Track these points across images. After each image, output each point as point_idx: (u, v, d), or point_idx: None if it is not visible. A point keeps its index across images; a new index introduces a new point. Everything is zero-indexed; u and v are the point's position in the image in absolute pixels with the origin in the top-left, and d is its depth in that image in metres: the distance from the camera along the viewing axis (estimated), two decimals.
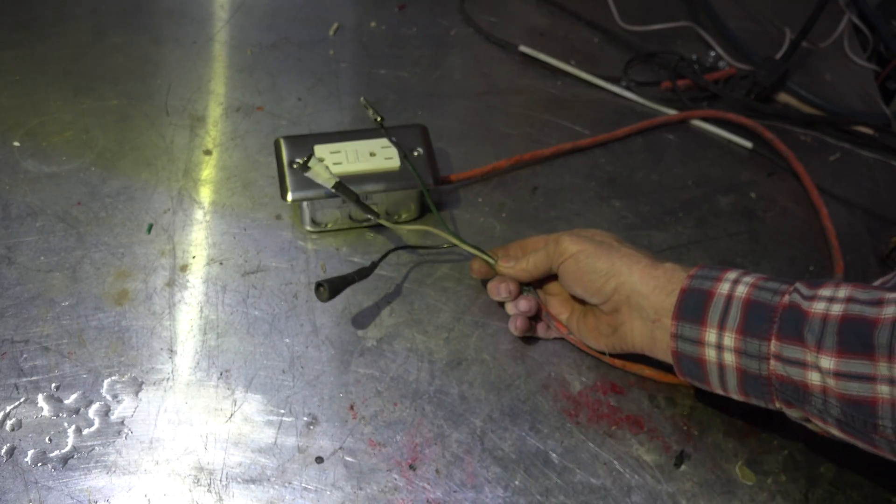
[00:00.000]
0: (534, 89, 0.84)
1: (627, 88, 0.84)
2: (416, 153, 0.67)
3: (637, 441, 0.58)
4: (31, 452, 0.55)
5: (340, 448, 0.56)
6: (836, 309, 0.48)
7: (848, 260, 0.70)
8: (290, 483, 0.55)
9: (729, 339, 0.51)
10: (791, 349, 0.49)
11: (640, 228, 0.72)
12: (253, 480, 0.55)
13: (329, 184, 0.62)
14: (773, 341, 0.50)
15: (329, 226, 0.68)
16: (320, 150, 0.66)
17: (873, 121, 0.82)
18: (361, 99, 0.66)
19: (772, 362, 0.50)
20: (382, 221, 0.65)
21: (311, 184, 0.64)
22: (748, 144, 0.80)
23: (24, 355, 0.59)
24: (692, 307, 0.53)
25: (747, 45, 0.89)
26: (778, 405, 0.52)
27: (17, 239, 0.66)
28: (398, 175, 0.66)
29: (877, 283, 0.53)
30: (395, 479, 0.55)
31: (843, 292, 0.49)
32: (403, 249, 0.67)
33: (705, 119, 0.81)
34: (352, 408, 0.58)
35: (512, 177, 0.75)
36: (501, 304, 0.64)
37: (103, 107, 0.77)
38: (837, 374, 0.47)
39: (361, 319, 0.63)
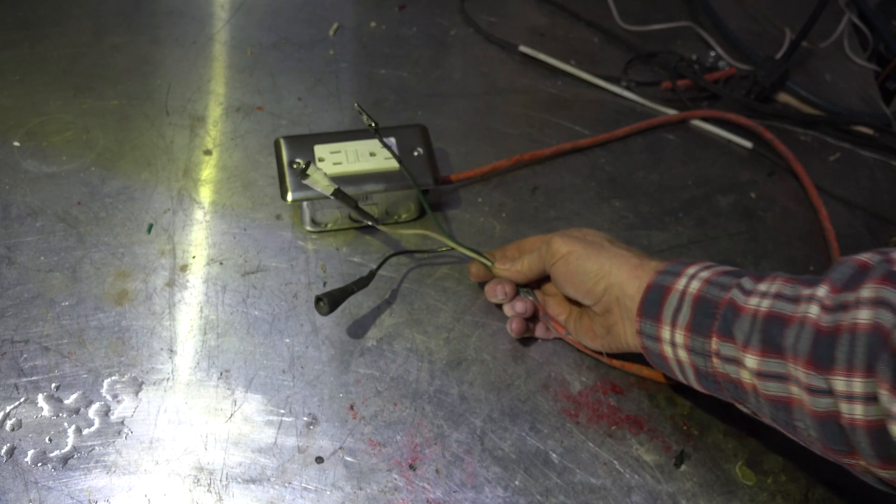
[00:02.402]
0: (534, 89, 0.84)
1: (627, 88, 0.84)
2: (416, 153, 0.67)
3: (637, 441, 0.58)
4: (31, 452, 0.55)
5: (340, 448, 0.56)
6: (765, 305, 0.48)
7: None
8: (290, 483, 0.55)
9: (680, 336, 0.52)
10: (727, 347, 0.49)
11: (640, 228, 0.72)
12: (253, 480, 0.55)
13: (328, 191, 0.62)
14: (713, 339, 0.50)
15: (329, 226, 0.68)
16: (320, 150, 0.66)
17: (873, 121, 0.82)
18: (355, 104, 0.66)
19: (714, 360, 0.50)
20: (381, 227, 0.64)
21: None
22: (748, 144, 0.80)
23: (24, 355, 0.59)
24: (652, 303, 0.53)
25: (747, 45, 0.89)
26: (729, 399, 0.52)
27: (17, 239, 0.66)
28: (398, 175, 0.66)
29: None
30: (395, 479, 0.55)
31: (775, 286, 0.48)
32: (402, 255, 0.67)
33: (705, 119, 0.81)
34: (352, 408, 0.58)
35: (512, 177, 0.75)
36: (500, 306, 0.64)
37: (103, 107, 0.77)
38: (759, 374, 0.47)
39: (361, 319, 0.63)
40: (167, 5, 0.88)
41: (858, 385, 0.42)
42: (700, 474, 0.57)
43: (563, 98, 0.83)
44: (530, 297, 0.62)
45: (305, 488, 0.54)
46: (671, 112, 0.81)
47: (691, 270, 0.53)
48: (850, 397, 0.43)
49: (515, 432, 0.58)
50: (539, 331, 0.63)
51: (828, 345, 0.44)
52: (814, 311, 0.45)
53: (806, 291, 0.46)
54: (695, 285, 0.52)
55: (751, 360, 0.47)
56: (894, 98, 0.90)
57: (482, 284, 0.65)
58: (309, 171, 0.61)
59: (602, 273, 0.56)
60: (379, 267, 0.63)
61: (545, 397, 0.60)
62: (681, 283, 0.52)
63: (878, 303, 0.42)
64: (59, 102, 0.77)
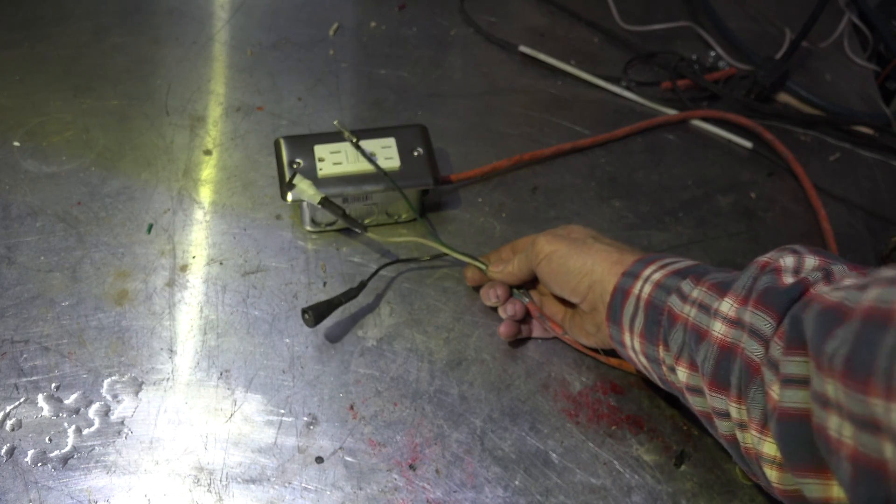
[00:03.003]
0: (534, 89, 0.84)
1: (627, 88, 0.84)
2: (416, 153, 0.67)
3: (637, 441, 0.58)
4: (31, 452, 0.55)
5: (340, 448, 0.56)
6: (692, 315, 0.47)
7: (848, 260, 0.70)
8: (290, 483, 0.55)
9: (637, 343, 0.51)
10: (668, 356, 0.49)
11: (640, 228, 0.72)
12: (253, 480, 0.55)
13: (315, 200, 0.62)
14: (660, 347, 0.50)
15: (329, 226, 0.68)
16: (320, 150, 0.66)
17: (873, 121, 0.82)
18: (335, 122, 0.66)
19: (663, 367, 0.50)
20: (371, 235, 0.64)
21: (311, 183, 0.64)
22: (748, 144, 0.80)
23: (24, 355, 0.59)
24: (615, 308, 0.53)
25: (747, 45, 0.89)
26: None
27: (17, 239, 0.66)
28: (398, 175, 0.66)
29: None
30: (395, 479, 0.55)
31: (701, 293, 0.47)
32: (393, 264, 0.66)
33: (705, 119, 0.81)
34: (352, 408, 0.58)
35: (512, 177, 0.75)
36: (496, 308, 0.64)
37: (103, 107, 0.77)
38: (689, 388, 0.47)
39: (361, 319, 0.63)
40: (167, 5, 0.88)
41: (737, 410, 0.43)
42: (700, 474, 0.57)
43: (563, 98, 0.83)
44: (525, 299, 0.62)
45: (305, 488, 0.54)
46: (671, 112, 0.81)
47: (648, 272, 0.52)
48: (726, 414, 0.43)
49: (515, 432, 0.58)
50: (537, 330, 0.63)
51: (726, 364, 0.44)
52: (717, 327, 0.45)
53: (715, 304, 0.46)
54: (647, 289, 0.51)
55: (682, 373, 0.47)
56: (894, 98, 0.90)
57: (477, 289, 0.65)
58: (295, 181, 0.62)
59: (585, 270, 0.55)
60: (370, 278, 0.63)
61: (545, 397, 0.60)
62: (637, 287, 0.51)
63: (737, 323, 0.43)
64: (59, 102, 0.77)
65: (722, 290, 0.46)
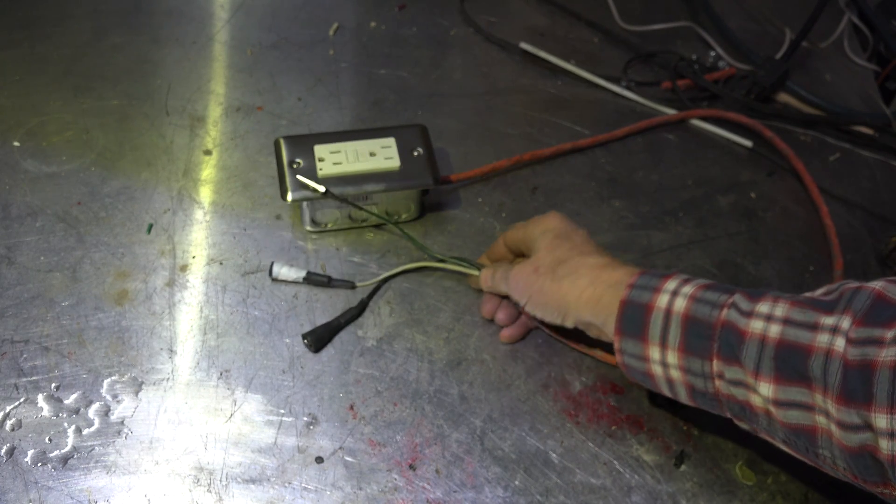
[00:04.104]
0: (534, 89, 0.84)
1: (627, 88, 0.84)
2: (416, 153, 0.67)
3: (637, 441, 0.58)
4: (31, 452, 0.55)
5: (340, 448, 0.56)
6: (774, 331, 0.46)
7: (848, 260, 0.70)
8: (290, 483, 0.55)
9: (672, 357, 0.50)
10: (732, 370, 0.48)
11: (640, 228, 0.72)
12: (253, 480, 0.55)
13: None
14: (714, 361, 0.48)
15: (329, 226, 0.68)
16: (320, 150, 0.66)
17: (873, 121, 0.82)
18: (298, 177, 0.65)
19: (716, 381, 0.49)
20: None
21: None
22: (748, 144, 0.80)
23: (24, 355, 0.59)
24: (632, 322, 0.51)
25: (747, 45, 0.89)
26: (728, 416, 0.51)
27: (17, 239, 0.66)
28: (398, 175, 0.66)
29: (819, 291, 0.50)
30: (395, 479, 0.55)
31: (780, 310, 0.47)
32: (394, 278, 0.66)
33: (705, 119, 0.81)
34: (352, 408, 0.58)
35: (512, 177, 0.75)
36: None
37: (103, 107, 0.77)
38: (777, 402, 0.46)
39: (361, 319, 0.63)
40: (167, 5, 0.88)
41: None
42: (700, 474, 0.57)
43: (563, 98, 0.83)
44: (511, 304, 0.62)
45: (305, 488, 0.54)
46: (671, 112, 0.81)
47: (671, 285, 0.51)
48: (892, 434, 0.42)
49: (515, 432, 0.58)
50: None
51: (861, 380, 0.43)
52: (839, 343, 0.44)
53: (826, 320, 0.45)
54: (680, 303, 0.50)
55: (765, 388, 0.46)
56: (894, 98, 0.90)
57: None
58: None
59: (562, 308, 0.55)
60: (370, 297, 0.64)
61: (545, 397, 0.60)
62: (663, 301, 0.50)
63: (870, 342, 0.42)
64: (59, 102, 0.77)
65: (819, 306, 0.46)
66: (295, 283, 0.64)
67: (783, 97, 0.85)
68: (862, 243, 0.72)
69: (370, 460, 0.56)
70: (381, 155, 0.66)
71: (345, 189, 0.65)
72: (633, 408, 0.60)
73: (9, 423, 0.56)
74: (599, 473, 0.56)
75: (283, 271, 0.64)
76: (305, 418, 0.58)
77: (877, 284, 0.46)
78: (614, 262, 0.56)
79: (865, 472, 0.45)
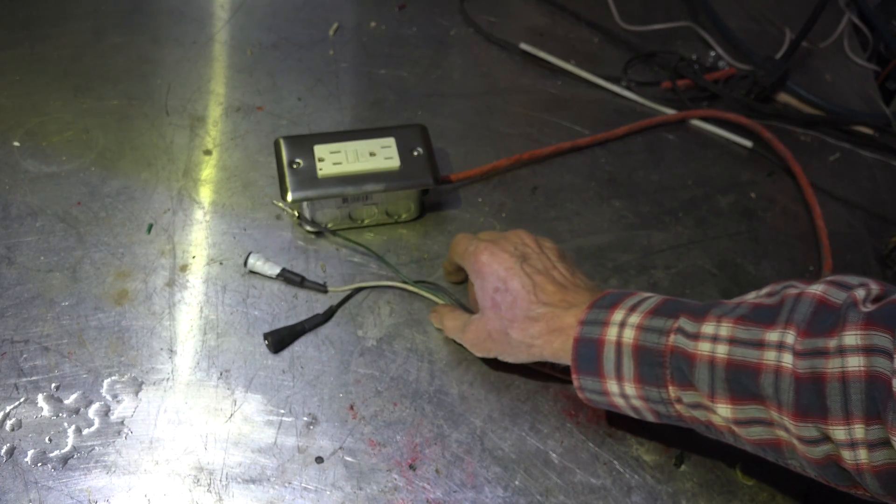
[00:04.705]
0: (534, 89, 0.84)
1: (627, 88, 0.84)
2: (416, 153, 0.67)
3: (637, 441, 0.58)
4: (31, 452, 0.55)
5: (340, 448, 0.56)
6: (721, 351, 0.46)
7: (848, 260, 0.70)
8: (290, 483, 0.55)
9: (630, 389, 0.50)
10: (688, 395, 0.48)
11: (640, 228, 0.72)
12: (253, 480, 0.55)
13: (273, 273, 0.64)
14: (670, 387, 0.49)
15: (329, 226, 0.68)
16: (320, 150, 0.66)
17: (873, 121, 0.82)
18: (274, 201, 0.65)
19: (676, 406, 0.49)
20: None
21: (311, 183, 0.64)
22: (748, 144, 0.80)
23: (24, 355, 0.59)
24: (587, 359, 0.51)
25: (747, 45, 0.89)
26: (703, 433, 0.51)
27: (17, 239, 0.66)
28: (398, 175, 0.66)
29: (764, 292, 0.49)
30: (395, 479, 0.55)
31: (724, 329, 0.46)
32: (364, 289, 0.65)
33: (705, 119, 0.81)
34: (352, 408, 0.58)
35: (512, 177, 0.75)
36: None
37: (103, 107, 0.77)
38: (737, 422, 0.47)
39: (361, 319, 0.63)
40: (167, 5, 0.88)
41: (860, 432, 0.42)
42: (700, 474, 0.57)
43: (563, 98, 0.83)
44: None
45: (305, 488, 0.54)
46: (671, 112, 0.81)
47: (617, 317, 0.51)
48: (852, 444, 0.42)
49: (515, 432, 0.58)
50: None
51: (815, 393, 0.43)
52: (787, 359, 0.44)
53: (770, 336, 0.45)
54: (629, 334, 0.50)
55: (723, 409, 0.47)
56: (894, 98, 0.90)
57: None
58: (251, 259, 0.64)
59: (520, 355, 0.55)
60: (340, 305, 0.63)
61: (545, 397, 0.60)
62: (612, 334, 0.50)
63: (869, 350, 0.41)
64: (59, 102, 0.77)
65: (760, 321, 0.46)
66: (269, 278, 0.64)
67: (783, 97, 0.85)
68: (862, 243, 0.72)
69: (370, 460, 0.56)
70: (381, 155, 0.66)
71: (345, 189, 0.65)
72: None
73: (9, 423, 0.56)
74: (599, 473, 0.56)
75: (258, 264, 0.64)
76: (305, 418, 0.58)
77: (818, 289, 0.46)
78: (564, 300, 0.54)
79: (836, 479, 0.45)
